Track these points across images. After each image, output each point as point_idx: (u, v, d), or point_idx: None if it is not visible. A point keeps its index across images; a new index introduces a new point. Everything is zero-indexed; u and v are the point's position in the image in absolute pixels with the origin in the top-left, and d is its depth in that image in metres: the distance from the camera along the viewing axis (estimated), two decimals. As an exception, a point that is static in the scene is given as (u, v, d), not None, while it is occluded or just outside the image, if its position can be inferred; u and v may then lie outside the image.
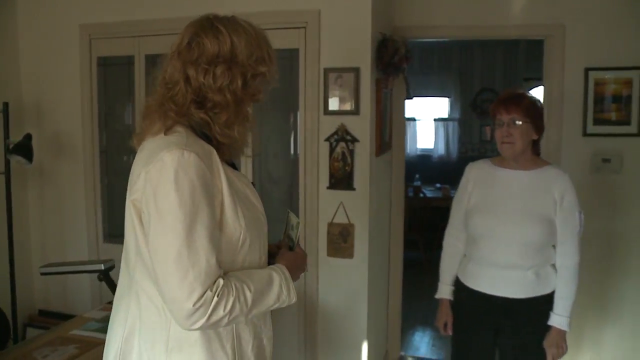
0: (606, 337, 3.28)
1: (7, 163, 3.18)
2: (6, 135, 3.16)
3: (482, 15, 3.30)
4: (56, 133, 3.53)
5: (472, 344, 2.23)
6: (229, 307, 1.15)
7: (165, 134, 1.22)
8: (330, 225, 2.98)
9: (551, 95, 3.25)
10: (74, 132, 3.48)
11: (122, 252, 1.33)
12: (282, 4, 2.94)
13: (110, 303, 2.47)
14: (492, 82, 7.07)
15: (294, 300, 1.32)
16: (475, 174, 2.24)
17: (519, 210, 2.07)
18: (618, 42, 3.11)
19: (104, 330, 2.14)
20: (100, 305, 2.61)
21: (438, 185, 6.45)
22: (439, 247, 2.37)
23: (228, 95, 1.24)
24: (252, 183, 1.40)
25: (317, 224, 3.00)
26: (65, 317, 3.22)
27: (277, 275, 1.29)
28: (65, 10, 3.42)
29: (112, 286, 2.15)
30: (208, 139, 1.25)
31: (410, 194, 5.86)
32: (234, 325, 1.27)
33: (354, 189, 2.93)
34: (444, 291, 2.32)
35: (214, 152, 1.24)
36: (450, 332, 2.32)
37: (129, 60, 3.32)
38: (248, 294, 1.19)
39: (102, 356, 1.36)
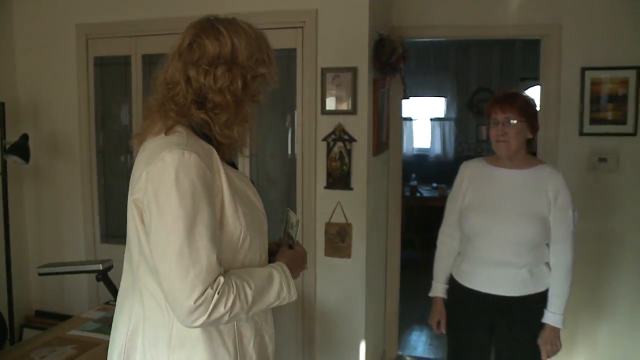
0: (600, 334, 3.30)
1: (4, 163, 3.17)
2: (2, 136, 3.15)
3: (479, 15, 3.31)
4: (53, 133, 3.52)
5: (468, 342, 2.25)
6: (229, 304, 1.16)
7: (165, 134, 1.23)
8: (328, 224, 2.99)
9: (548, 94, 3.27)
10: (70, 132, 3.47)
11: (119, 252, 1.34)
12: (280, 3, 2.94)
13: (108, 303, 2.49)
14: (488, 82, 7.08)
15: (294, 297, 1.33)
16: (470, 172, 2.25)
17: (514, 209, 2.08)
18: (614, 42, 3.13)
19: (102, 330, 2.16)
20: (98, 306, 2.60)
21: (434, 184, 6.46)
22: (435, 247, 2.38)
23: (228, 96, 1.25)
24: (252, 181, 1.41)
25: (315, 223, 3.00)
26: (62, 317, 3.21)
27: (278, 273, 1.30)
28: (61, 9, 3.41)
29: (110, 286, 2.15)
30: (208, 138, 1.26)
31: (407, 194, 5.86)
32: (235, 322, 1.28)
33: (351, 189, 2.94)
34: (438, 289, 2.33)
35: (214, 151, 1.25)
36: (443, 330, 2.33)
37: (125, 60, 3.31)
38: (248, 292, 1.21)
39: (101, 356, 1.36)
